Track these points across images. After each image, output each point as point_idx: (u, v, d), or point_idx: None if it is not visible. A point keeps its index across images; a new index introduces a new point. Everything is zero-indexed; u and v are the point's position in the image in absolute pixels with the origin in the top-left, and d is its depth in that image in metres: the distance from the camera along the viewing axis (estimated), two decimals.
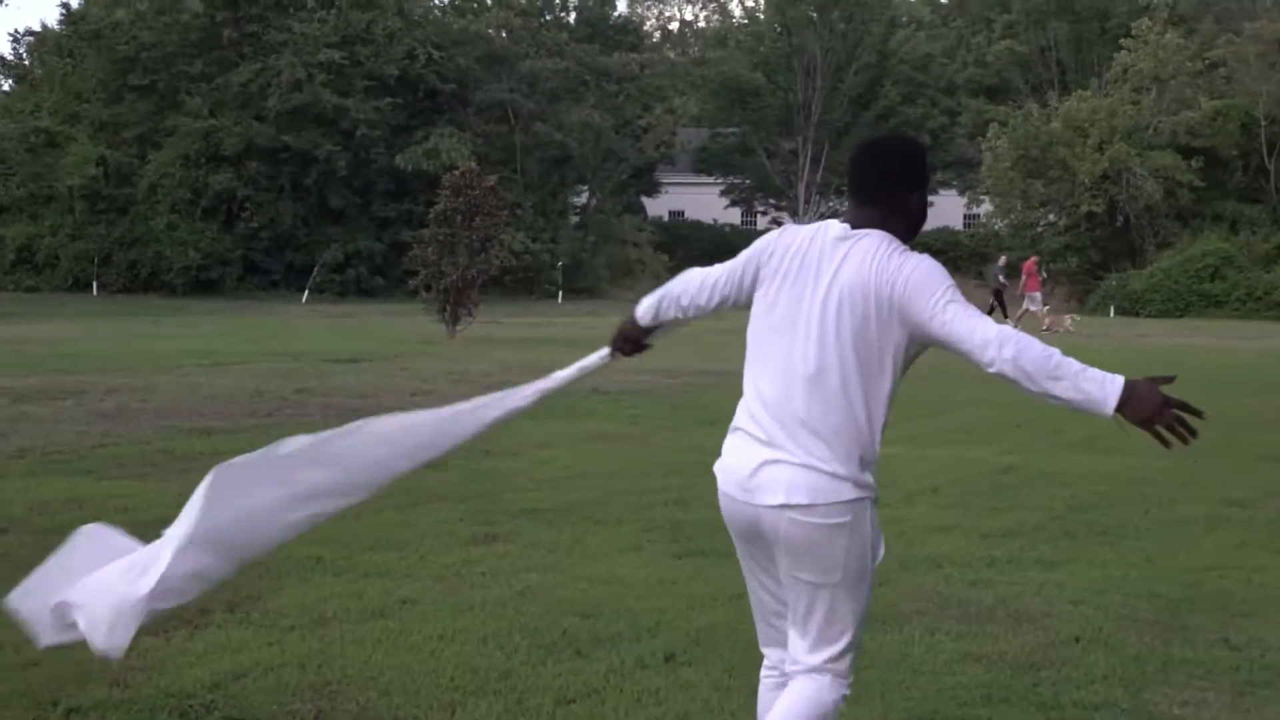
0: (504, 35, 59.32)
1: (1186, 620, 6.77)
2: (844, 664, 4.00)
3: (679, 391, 18.58)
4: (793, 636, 4.04)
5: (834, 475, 3.86)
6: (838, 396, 3.89)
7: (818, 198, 69.34)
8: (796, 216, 69.16)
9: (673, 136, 63.83)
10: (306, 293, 49.85)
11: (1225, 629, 6.60)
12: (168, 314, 38.73)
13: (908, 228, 4.04)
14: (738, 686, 5.63)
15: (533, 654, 6.06)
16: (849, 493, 3.87)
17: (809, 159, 67.77)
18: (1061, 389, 3.70)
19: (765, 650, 4.24)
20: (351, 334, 30.70)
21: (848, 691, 4.03)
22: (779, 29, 68.51)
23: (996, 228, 60.69)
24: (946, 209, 69.15)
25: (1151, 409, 3.77)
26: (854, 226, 4.00)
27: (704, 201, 70.98)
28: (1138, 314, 50.01)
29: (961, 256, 62.74)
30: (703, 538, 8.66)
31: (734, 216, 72.14)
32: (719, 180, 71.39)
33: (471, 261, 28.29)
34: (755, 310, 4.12)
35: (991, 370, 3.73)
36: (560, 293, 53.04)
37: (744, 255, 4.20)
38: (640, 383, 19.42)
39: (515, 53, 57.81)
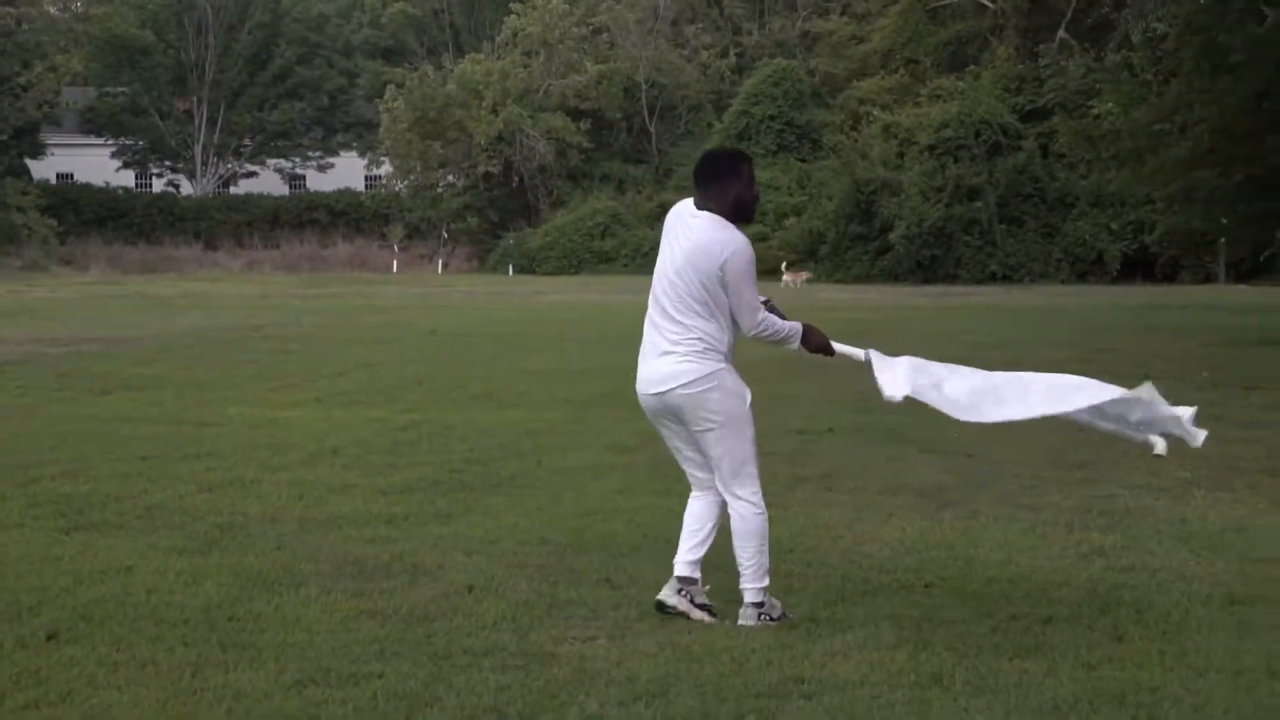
0: None
1: (573, 563, 7.10)
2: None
3: (69, 360, 17.78)
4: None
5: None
6: None
7: (216, 159, 67.74)
8: (194, 179, 67.31)
9: (56, 95, 60.60)
10: None
11: (608, 569, 6.96)
12: None
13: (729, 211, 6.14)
14: (125, 660, 5.48)
15: None
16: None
17: (205, 120, 66.06)
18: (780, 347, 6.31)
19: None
20: None
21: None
22: None
23: (398, 189, 61.17)
24: (347, 171, 69.14)
25: (820, 341, 6.23)
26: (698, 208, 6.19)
27: (95, 163, 67.79)
28: (535, 272, 51.60)
29: (364, 218, 63.00)
30: (93, 510, 8.39)
31: (128, 179, 69.37)
32: (110, 141, 68.38)
33: None
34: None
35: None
36: None
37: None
38: (25, 353, 18.51)
39: None
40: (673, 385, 6.06)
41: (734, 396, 6.07)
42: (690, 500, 6.34)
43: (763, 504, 6.17)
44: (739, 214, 6.14)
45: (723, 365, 6.05)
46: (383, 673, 5.34)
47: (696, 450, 6.20)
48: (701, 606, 6.13)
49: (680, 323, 6.05)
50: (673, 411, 6.13)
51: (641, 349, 6.23)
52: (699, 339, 6.02)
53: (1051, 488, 9.20)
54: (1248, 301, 31.70)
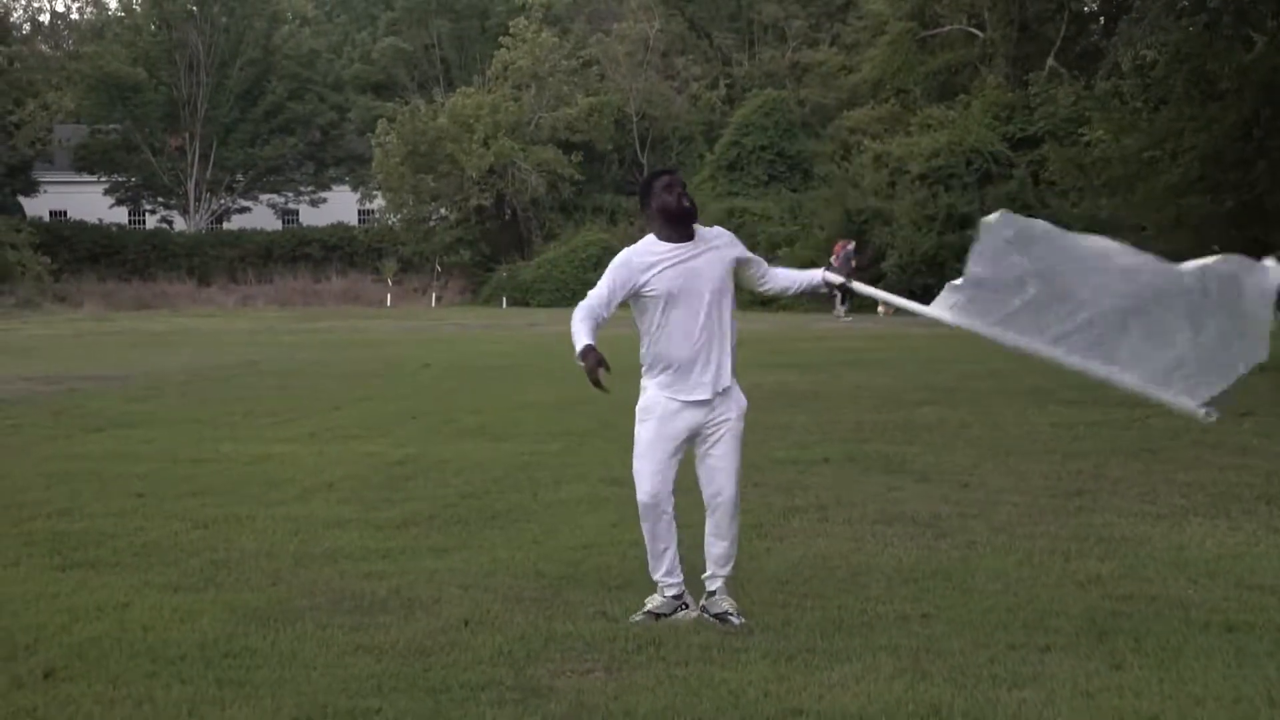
0: None
1: (569, 596, 7.09)
2: None
3: (62, 398, 17.75)
4: None
5: None
6: None
7: (209, 195, 67.75)
8: (187, 215, 67.36)
9: (49, 133, 60.72)
10: None
11: (603, 602, 6.95)
12: None
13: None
14: (121, 698, 5.46)
15: None
16: None
17: (197, 156, 66.13)
18: None
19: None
20: None
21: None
22: (157, 23, 66.53)
23: (390, 223, 61.23)
24: (340, 205, 69.20)
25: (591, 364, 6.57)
26: None
27: (88, 200, 67.74)
28: (529, 304, 51.67)
29: (357, 252, 62.97)
30: (88, 548, 8.36)
31: (121, 216, 69.38)
32: (102, 179, 68.37)
33: None
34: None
35: None
36: None
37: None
38: (18, 390, 18.46)
39: None
40: None
41: (640, 409, 6.94)
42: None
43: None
44: (667, 219, 6.65)
45: (643, 380, 6.96)
46: (380, 708, 5.33)
47: None
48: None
49: None
50: None
51: None
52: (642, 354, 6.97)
53: (1048, 516, 9.19)
54: None
